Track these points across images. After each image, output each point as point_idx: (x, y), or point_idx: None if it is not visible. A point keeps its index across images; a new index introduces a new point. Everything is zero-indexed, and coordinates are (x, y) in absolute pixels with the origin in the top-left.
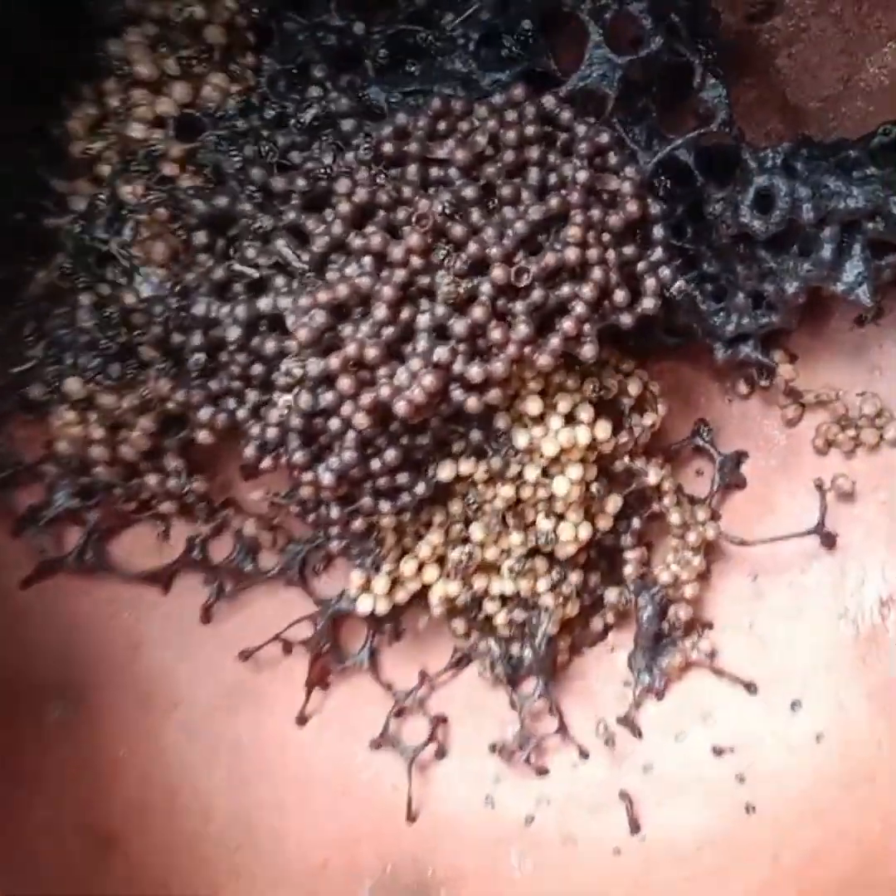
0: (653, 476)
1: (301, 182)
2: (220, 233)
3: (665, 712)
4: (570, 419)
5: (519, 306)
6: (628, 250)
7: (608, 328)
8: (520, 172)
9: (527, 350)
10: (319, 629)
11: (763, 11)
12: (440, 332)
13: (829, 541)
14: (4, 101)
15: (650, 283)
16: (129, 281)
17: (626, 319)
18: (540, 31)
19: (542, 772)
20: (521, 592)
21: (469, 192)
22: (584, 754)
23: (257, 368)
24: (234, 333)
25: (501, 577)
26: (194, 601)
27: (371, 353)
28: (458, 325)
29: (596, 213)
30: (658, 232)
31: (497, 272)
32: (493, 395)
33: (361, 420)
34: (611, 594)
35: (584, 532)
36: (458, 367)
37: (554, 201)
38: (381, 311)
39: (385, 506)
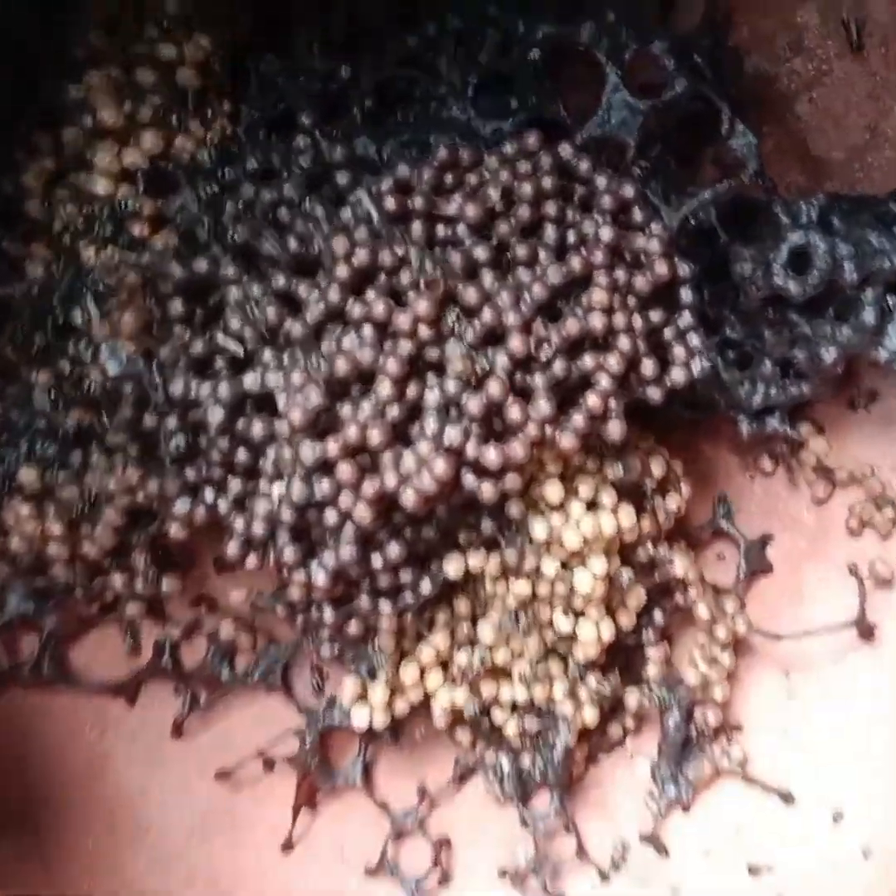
0: (679, 566)
1: (292, 243)
2: (199, 301)
3: (693, 827)
4: (591, 505)
5: (539, 380)
6: (654, 316)
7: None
8: (535, 230)
9: (548, 430)
10: (308, 747)
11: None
12: (448, 410)
13: (867, 633)
14: None
15: (678, 351)
16: (94, 356)
17: (654, 393)
18: (546, 74)
19: None
20: (534, 699)
21: (481, 253)
22: (604, 876)
23: (242, 454)
24: (216, 416)
25: (513, 682)
26: (164, 713)
27: (375, 436)
28: (472, 403)
29: (621, 274)
30: (686, 295)
31: (515, 343)
32: (511, 481)
33: (363, 513)
34: (631, 697)
35: (607, 631)
36: (471, 450)
37: (576, 262)
38: (385, 388)
39: (385, 607)
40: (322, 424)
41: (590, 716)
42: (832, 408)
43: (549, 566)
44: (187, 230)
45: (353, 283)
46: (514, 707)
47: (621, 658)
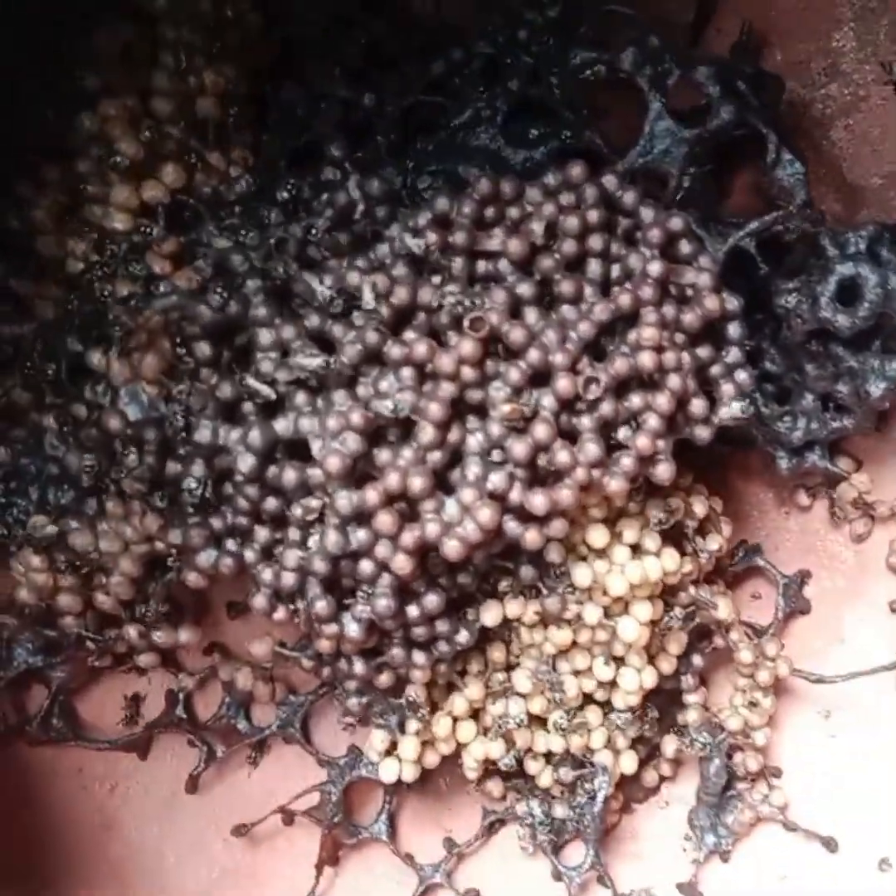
0: (723, 609)
1: (327, 281)
2: (226, 343)
3: (734, 877)
4: (634, 548)
5: (586, 422)
6: (702, 352)
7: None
8: (578, 264)
9: (595, 473)
10: (333, 802)
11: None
12: (491, 454)
13: None
14: None
15: (727, 389)
16: (113, 400)
17: (702, 433)
18: (581, 102)
19: None
20: (570, 748)
21: (525, 290)
22: None
23: (271, 503)
24: (247, 463)
25: (548, 731)
26: (177, 767)
27: (416, 484)
28: (518, 447)
29: (669, 310)
30: (734, 330)
31: (563, 383)
32: (557, 527)
33: (402, 563)
34: (668, 744)
35: (650, 679)
36: (515, 495)
37: (624, 299)
38: (427, 433)
39: (420, 658)
40: (359, 471)
41: (628, 764)
42: (870, 440)
43: (592, 614)
44: (213, 269)
45: (391, 322)
46: (549, 756)
47: (658, 703)
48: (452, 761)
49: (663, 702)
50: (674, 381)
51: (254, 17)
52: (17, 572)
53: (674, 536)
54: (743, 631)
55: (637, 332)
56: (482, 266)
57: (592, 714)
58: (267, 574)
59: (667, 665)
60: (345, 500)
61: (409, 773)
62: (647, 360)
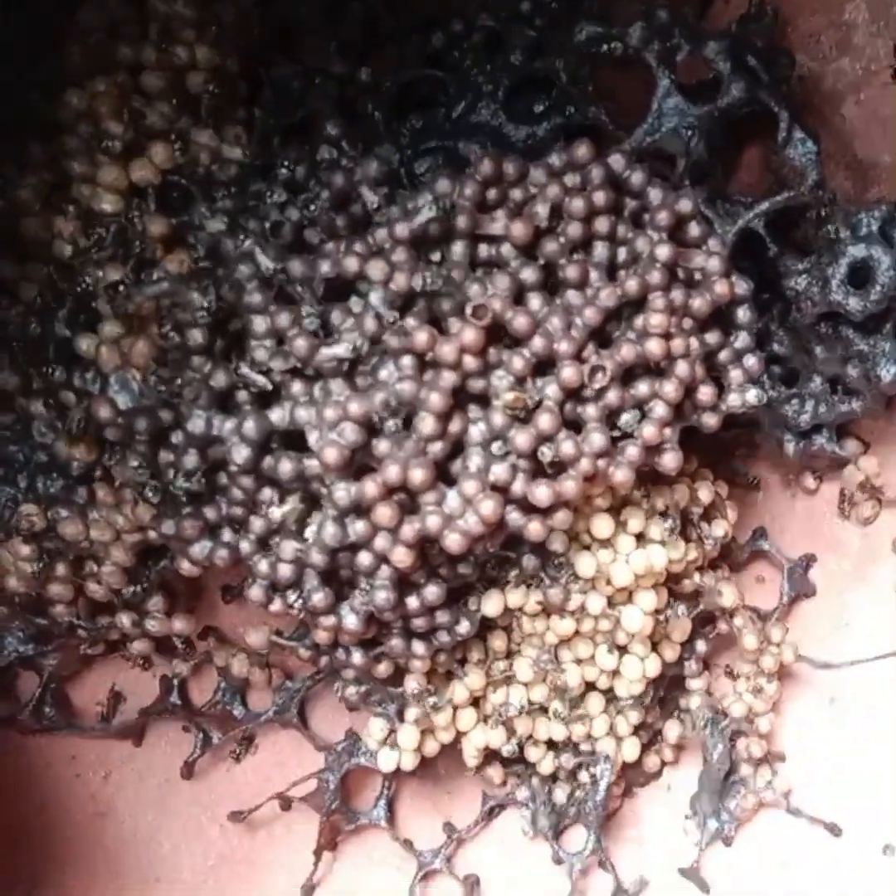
0: (728, 596)
1: (324, 267)
2: (219, 329)
3: (736, 861)
4: (639, 537)
5: (591, 411)
6: (711, 338)
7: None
8: (584, 247)
9: (600, 463)
10: (331, 790)
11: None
12: (493, 445)
13: None
14: None
15: (735, 375)
16: (102, 388)
17: (709, 420)
18: (586, 77)
19: None
20: (572, 736)
21: (529, 275)
22: None
23: (266, 493)
24: (242, 454)
25: (549, 719)
26: (172, 753)
27: (417, 476)
28: (521, 438)
29: (677, 295)
30: (743, 314)
31: (568, 372)
32: (561, 518)
33: (402, 556)
34: (671, 730)
35: (653, 667)
36: (518, 487)
37: (631, 284)
38: (427, 424)
39: (419, 647)
40: (357, 462)
41: (630, 751)
42: (878, 423)
43: (596, 604)
44: (207, 252)
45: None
46: (550, 743)
47: (661, 690)
48: (451, 747)
49: (666, 687)
50: (681, 368)
51: None
52: (5, 561)
53: (680, 524)
54: (747, 616)
55: (644, 318)
56: (484, 250)
57: (594, 702)
58: (263, 565)
59: (670, 652)
60: (343, 492)
61: (408, 762)
62: (654, 347)
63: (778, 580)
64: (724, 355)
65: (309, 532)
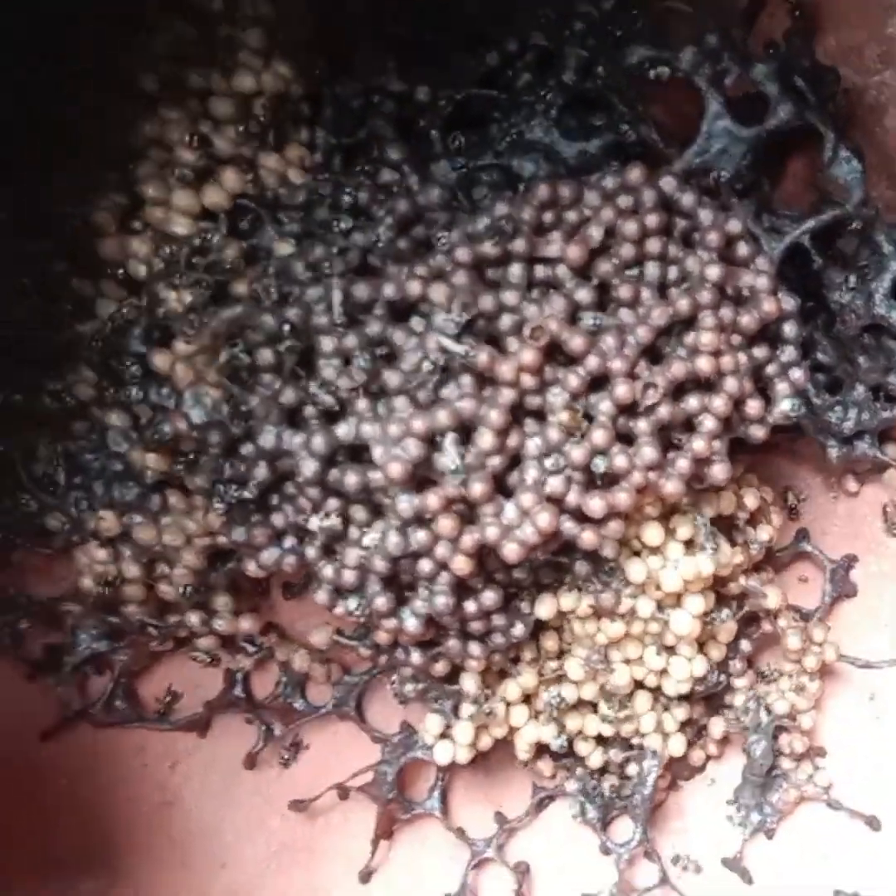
0: (772, 599)
1: (388, 290)
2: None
3: (778, 853)
4: (687, 544)
5: (642, 425)
6: (758, 352)
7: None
8: (635, 266)
9: (652, 475)
10: (388, 781)
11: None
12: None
13: None
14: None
15: (782, 387)
16: (177, 403)
17: (757, 432)
18: (636, 96)
19: None
20: (621, 732)
21: (583, 296)
22: None
23: (332, 503)
24: (310, 468)
25: (599, 715)
26: (236, 744)
27: (476, 489)
28: (576, 452)
29: (726, 313)
30: (790, 329)
31: (621, 390)
32: (614, 527)
33: (461, 564)
34: (715, 726)
35: (700, 667)
36: (573, 498)
37: (683, 303)
38: (486, 440)
39: (475, 649)
40: (419, 475)
41: (676, 746)
42: None
43: (646, 608)
44: (276, 276)
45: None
46: (599, 738)
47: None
48: (503, 740)
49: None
50: (730, 383)
51: (308, 15)
52: (81, 564)
53: (727, 530)
54: (791, 617)
55: (695, 335)
56: (540, 271)
57: (643, 699)
58: (328, 571)
59: (716, 652)
60: (406, 503)
61: (463, 756)
62: (704, 364)
63: (820, 581)
64: (771, 369)
65: (368, 539)
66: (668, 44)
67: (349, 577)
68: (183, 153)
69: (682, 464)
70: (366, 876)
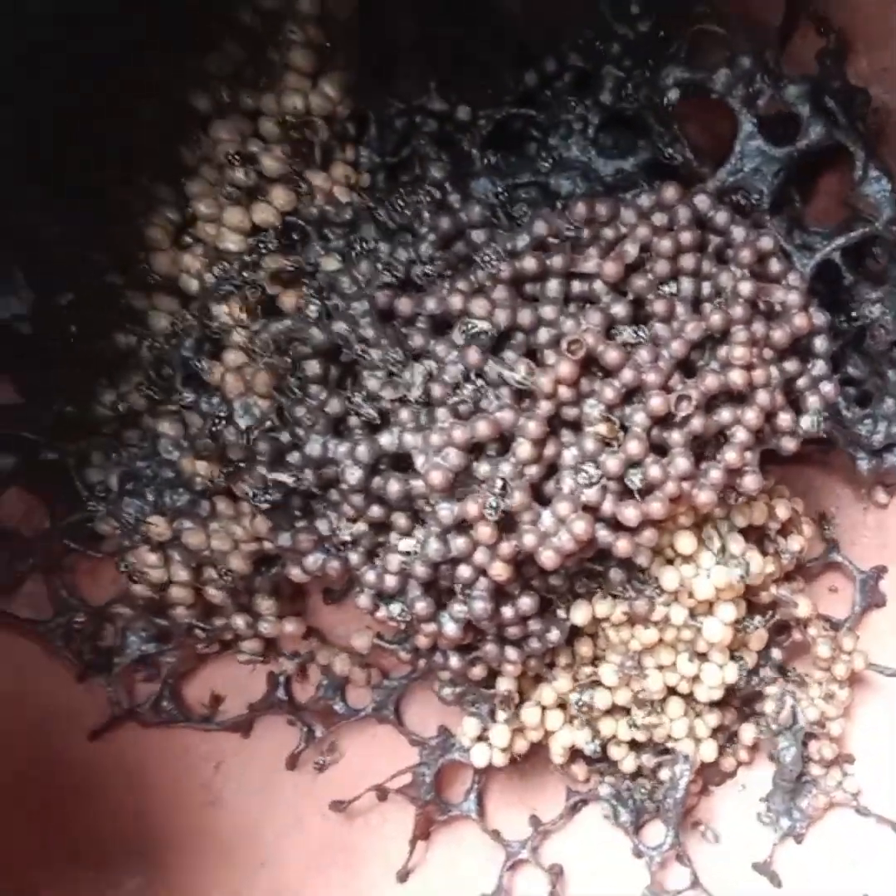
0: (803, 608)
1: (431, 304)
2: (334, 360)
3: (807, 858)
4: (720, 552)
5: (676, 436)
6: (790, 366)
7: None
8: (669, 282)
9: (685, 485)
10: (426, 783)
11: None
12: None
13: None
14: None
15: (812, 400)
16: (227, 412)
17: (788, 444)
18: (672, 115)
19: None
20: (654, 737)
21: (619, 311)
22: None
23: (375, 510)
24: (354, 476)
25: (632, 721)
26: (277, 745)
27: (516, 498)
28: (612, 462)
29: (759, 327)
30: (821, 344)
31: (656, 401)
32: (648, 536)
33: (500, 571)
34: (747, 733)
35: (732, 674)
36: (608, 507)
37: (716, 318)
38: (524, 450)
39: (512, 653)
40: (459, 483)
41: (708, 752)
42: None
43: (679, 615)
44: (325, 288)
45: (492, 343)
46: (633, 743)
47: (739, 695)
48: (538, 744)
49: (743, 693)
50: (762, 396)
51: (355, 37)
52: (132, 568)
53: (758, 540)
54: (821, 626)
55: (727, 349)
56: (577, 286)
57: (675, 705)
58: (370, 576)
59: (748, 659)
60: (447, 511)
61: (500, 759)
62: (737, 378)
63: (850, 591)
64: (802, 382)
65: (405, 544)
66: (702, 65)
67: (391, 581)
68: (234, 172)
69: (715, 474)
70: (403, 876)
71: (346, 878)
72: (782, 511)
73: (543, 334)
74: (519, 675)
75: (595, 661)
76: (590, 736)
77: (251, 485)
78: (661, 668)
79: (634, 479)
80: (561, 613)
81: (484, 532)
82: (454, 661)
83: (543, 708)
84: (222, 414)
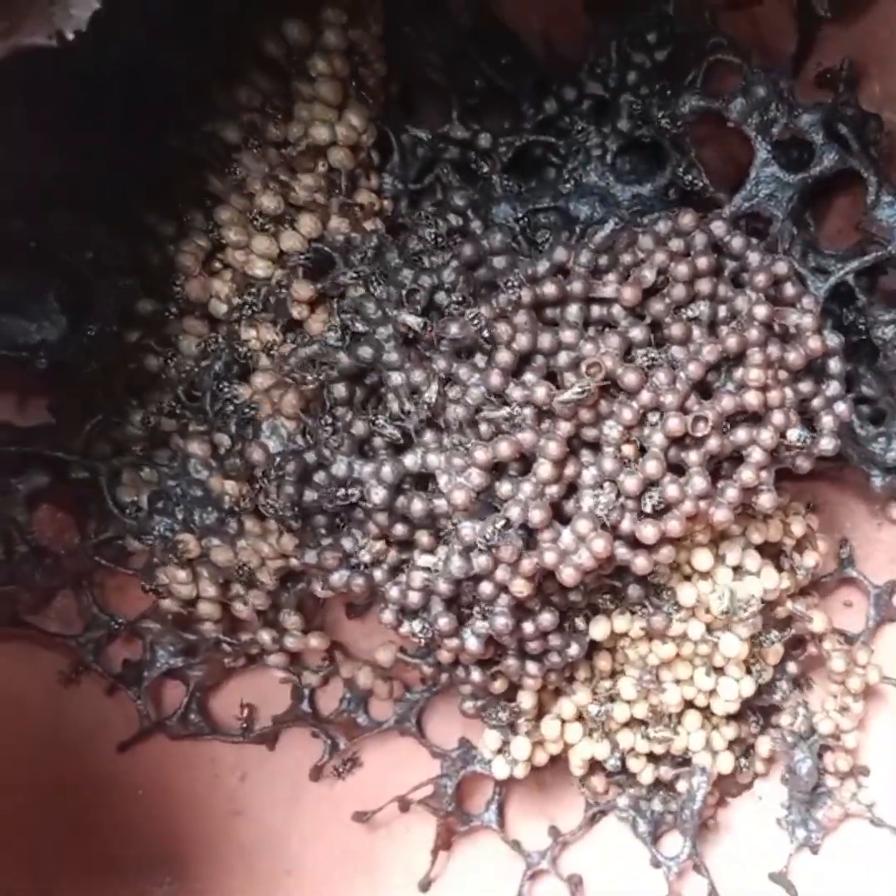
0: (818, 622)
1: (454, 328)
2: (359, 383)
3: (823, 868)
4: (736, 569)
5: (693, 456)
6: (804, 387)
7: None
8: (686, 306)
9: (702, 504)
10: (448, 794)
11: None
12: (603, 486)
13: None
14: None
15: (827, 420)
16: (255, 434)
17: (803, 463)
18: (688, 142)
19: None
20: (671, 750)
21: (637, 334)
22: None
23: (399, 528)
24: (379, 496)
25: (650, 734)
26: (302, 757)
27: (536, 516)
28: (630, 482)
29: (774, 350)
30: (835, 365)
31: (673, 422)
32: (665, 553)
33: (521, 587)
34: (763, 745)
35: (748, 688)
36: (626, 525)
37: (732, 341)
38: (545, 470)
39: (532, 668)
40: (481, 503)
41: (725, 764)
42: None
43: (696, 630)
44: (351, 315)
45: (512, 366)
46: (651, 755)
47: (755, 707)
48: (558, 756)
49: (759, 705)
50: (777, 416)
51: (379, 67)
52: (161, 584)
53: (774, 556)
54: (836, 639)
55: (743, 371)
56: (596, 311)
57: (693, 718)
58: (394, 592)
59: (764, 674)
60: (469, 529)
61: (521, 771)
62: (752, 399)
63: (864, 605)
64: (816, 402)
65: (428, 561)
66: (718, 94)
67: (414, 598)
68: (263, 201)
69: (732, 493)
70: (425, 885)
71: (369, 887)
72: (797, 527)
73: (563, 357)
74: (539, 689)
75: (614, 675)
76: (610, 749)
77: (278, 504)
78: (678, 681)
79: (653, 498)
80: (580, 627)
81: (506, 550)
82: (476, 675)
83: (563, 721)
84: (250, 435)
